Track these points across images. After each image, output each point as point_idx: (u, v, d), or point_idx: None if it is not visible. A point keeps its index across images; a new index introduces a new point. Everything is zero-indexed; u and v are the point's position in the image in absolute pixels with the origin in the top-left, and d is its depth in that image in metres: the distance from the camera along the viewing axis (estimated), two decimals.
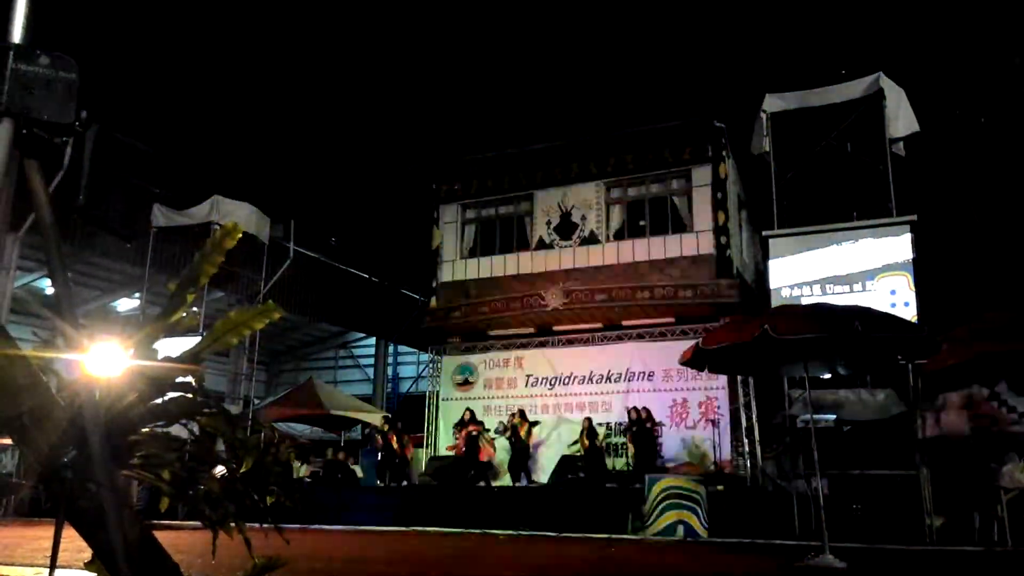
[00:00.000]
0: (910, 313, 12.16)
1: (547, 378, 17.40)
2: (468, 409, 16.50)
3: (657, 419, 15.11)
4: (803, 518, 10.76)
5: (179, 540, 8.50)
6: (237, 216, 17.37)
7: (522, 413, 15.81)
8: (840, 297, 12.56)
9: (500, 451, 16.25)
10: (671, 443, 15.70)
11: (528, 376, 17.62)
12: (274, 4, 24.66)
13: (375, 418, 19.88)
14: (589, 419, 15.32)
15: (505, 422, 15.85)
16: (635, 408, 14.93)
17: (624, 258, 17.12)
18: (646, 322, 16.72)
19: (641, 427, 14.59)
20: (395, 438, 16.50)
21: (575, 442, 15.43)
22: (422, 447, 18.17)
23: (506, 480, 15.73)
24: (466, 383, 18.25)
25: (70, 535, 2.05)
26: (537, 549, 9.80)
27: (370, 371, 29.87)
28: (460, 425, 16.27)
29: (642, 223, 17.57)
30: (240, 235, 2.43)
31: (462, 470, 15.20)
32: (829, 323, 8.35)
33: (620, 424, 15.86)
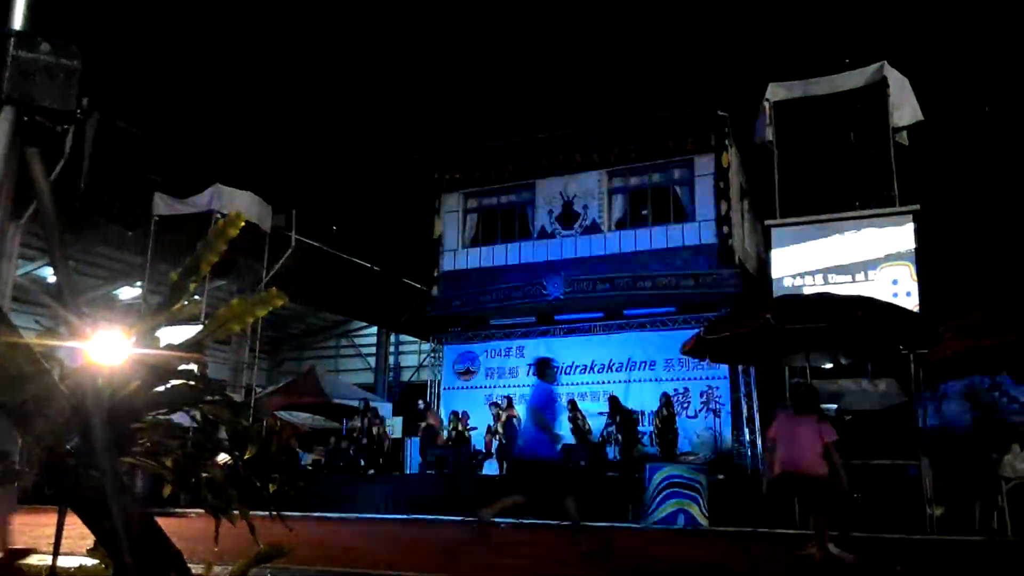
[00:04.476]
0: (912, 303, 12.14)
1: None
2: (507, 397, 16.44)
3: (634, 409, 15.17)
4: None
5: (182, 527, 8.53)
6: (239, 204, 17.34)
7: (510, 401, 15.82)
8: (842, 287, 12.54)
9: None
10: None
11: (530, 365, 17.62)
12: None
13: (378, 407, 19.91)
14: (573, 401, 15.20)
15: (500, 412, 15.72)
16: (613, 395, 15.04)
17: (626, 247, 17.10)
18: (648, 312, 16.72)
19: (625, 418, 14.68)
20: (374, 425, 16.76)
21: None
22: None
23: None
24: (468, 372, 18.28)
25: (73, 522, 2.06)
26: (537, 537, 9.83)
27: (372, 360, 29.90)
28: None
29: (644, 212, 17.54)
30: (243, 224, 2.43)
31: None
32: (831, 313, 8.36)
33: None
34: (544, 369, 7.58)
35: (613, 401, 14.91)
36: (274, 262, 19.72)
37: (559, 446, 7.82)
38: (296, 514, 11.38)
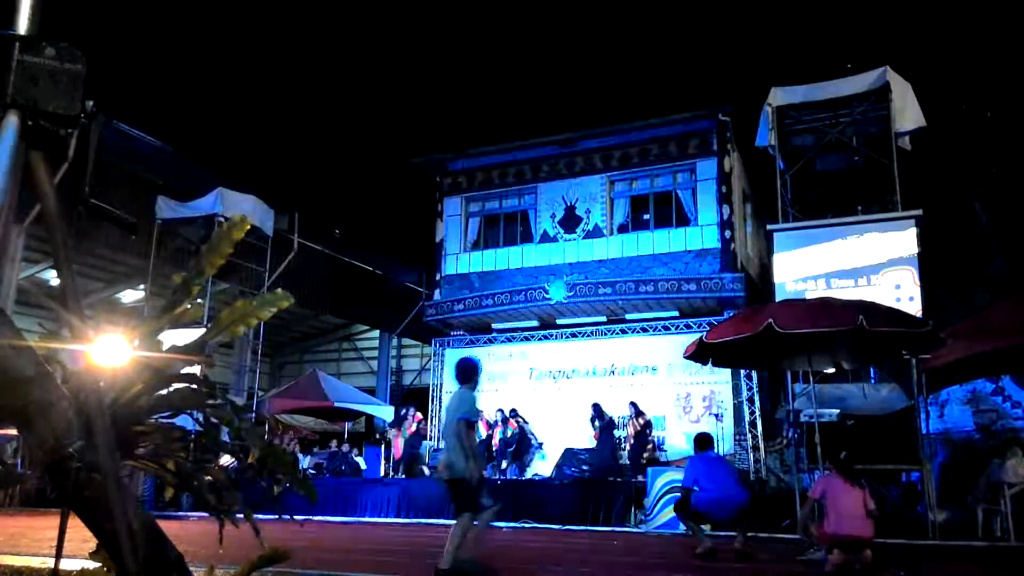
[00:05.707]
0: (915, 308, 12.12)
1: (550, 372, 17.41)
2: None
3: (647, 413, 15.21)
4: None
5: (184, 530, 8.53)
6: (242, 208, 17.36)
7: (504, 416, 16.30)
8: (845, 291, 12.52)
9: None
10: (674, 438, 15.71)
11: (532, 369, 17.63)
12: None
13: (380, 411, 19.95)
14: (514, 409, 16.06)
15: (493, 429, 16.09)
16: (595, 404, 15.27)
17: (628, 252, 17.10)
18: (650, 316, 16.71)
19: (605, 424, 14.84)
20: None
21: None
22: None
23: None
24: None
25: (75, 525, 2.06)
26: (538, 541, 9.82)
27: (373, 363, 29.88)
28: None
29: (646, 217, 17.55)
30: (248, 227, 2.42)
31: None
32: (833, 317, 8.35)
33: (621, 419, 15.86)
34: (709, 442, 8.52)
35: (596, 408, 15.06)
36: (277, 265, 19.77)
37: None
38: (298, 517, 11.37)
